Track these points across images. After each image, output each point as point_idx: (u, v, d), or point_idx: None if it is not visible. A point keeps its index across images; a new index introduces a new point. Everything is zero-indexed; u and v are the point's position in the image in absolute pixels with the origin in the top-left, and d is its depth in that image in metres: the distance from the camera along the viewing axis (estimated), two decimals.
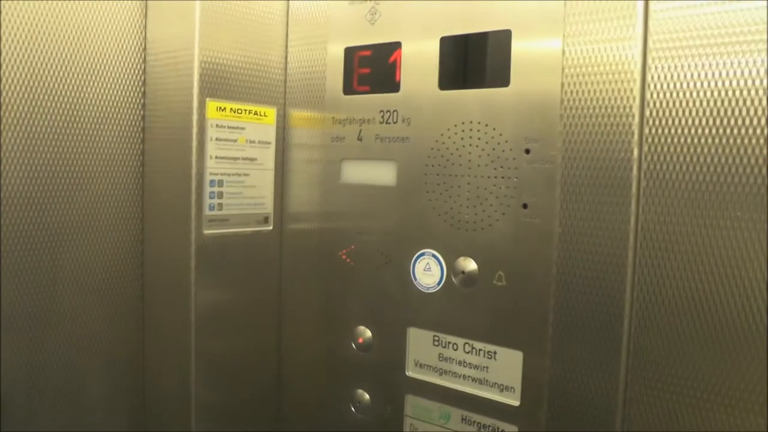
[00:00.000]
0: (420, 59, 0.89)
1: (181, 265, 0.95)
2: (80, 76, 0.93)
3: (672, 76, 0.70)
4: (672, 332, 0.72)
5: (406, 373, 0.93)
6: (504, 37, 0.81)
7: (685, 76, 0.70)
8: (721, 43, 0.67)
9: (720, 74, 0.68)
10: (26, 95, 0.87)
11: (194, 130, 0.92)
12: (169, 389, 1.01)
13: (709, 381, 0.70)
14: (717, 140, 0.68)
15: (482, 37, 0.83)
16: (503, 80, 0.82)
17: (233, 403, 1.02)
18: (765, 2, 0.65)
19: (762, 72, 0.65)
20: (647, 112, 0.72)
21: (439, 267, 0.88)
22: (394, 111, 0.91)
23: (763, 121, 0.65)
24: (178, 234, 0.95)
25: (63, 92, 0.91)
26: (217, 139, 0.94)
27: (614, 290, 0.75)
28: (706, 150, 0.69)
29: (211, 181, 0.94)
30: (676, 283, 0.71)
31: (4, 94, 0.85)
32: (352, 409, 0.99)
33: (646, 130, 0.72)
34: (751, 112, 0.66)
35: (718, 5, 0.68)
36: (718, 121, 0.68)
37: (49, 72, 0.89)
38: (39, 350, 0.92)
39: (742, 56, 0.66)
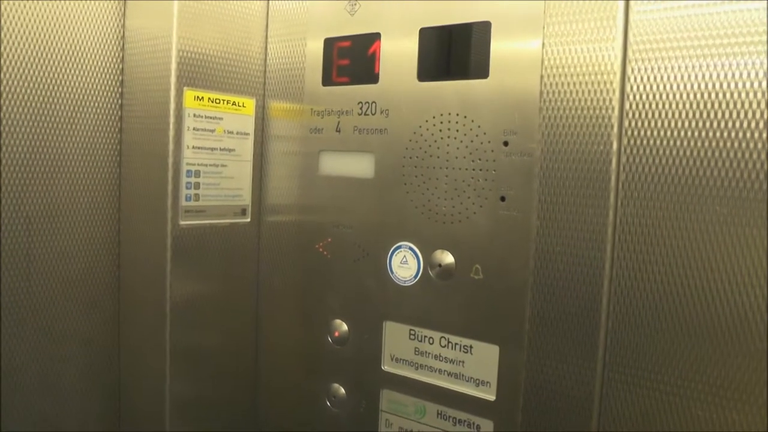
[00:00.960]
0: (399, 50, 0.88)
1: (157, 256, 0.94)
2: (57, 63, 0.91)
3: (652, 71, 0.70)
4: (649, 326, 0.72)
5: (382, 368, 0.93)
6: (483, 29, 0.81)
7: (665, 70, 0.70)
8: (699, 45, 0.68)
9: (699, 72, 0.68)
10: (2, 81, 0.86)
11: (171, 119, 0.91)
12: (144, 381, 1.00)
13: (686, 375, 0.70)
14: (696, 134, 0.68)
15: (461, 28, 0.83)
16: (482, 72, 0.81)
17: (209, 395, 1.01)
18: (743, 5, 0.65)
19: (738, 72, 0.66)
20: (627, 105, 0.72)
21: (415, 260, 0.88)
22: (372, 102, 0.91)
23: (740, 117, 0.65)
24: (154, 224, 0.94)
25: (40, 79, 0.90)
26: (194, 128, 0.93)
27: (592, 284, 0.75)
28: (685, 144, 0.69)
29: (188, 171, 0.93)
30: (654, 276, 0.71)
31: None
32: (328, 403, 0.98)
33: (626, 123, 0.72)
34: (731, 106, 0.66)
35: (696, 8, 0.68)
36: (697, 115, 0.68)
37: (25, 59, 0.88)
38: (14, 340, 0.91)
39: (718, 59, 0.67)
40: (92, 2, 0.94)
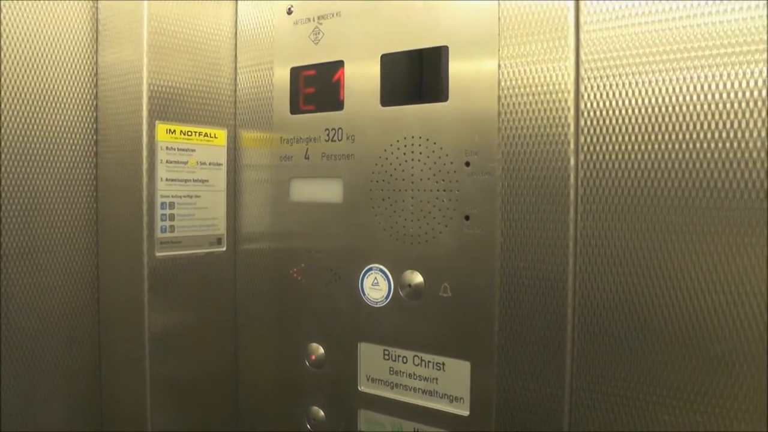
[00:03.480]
0: (362, 77, 0.90)
1: (135, 287, 0.95)
2: (33, 101, 0.93)
3: (603, 87, 0.73)
4: (613, 335, 0.73)
5: (359, 388, 0.94)
6: (442, 53, 0.83)
7: (615, 86, 0.72)
8: (647, 61, 0.70)
9: (648, 86, 0.70)
10: None
11: (144, 152, 0.93)
12: (126, 412, 1.00)
13: (650, 381, 0.72)
14: (650, 146, 0.70)
15: (421, 53, 0.85)
16: (442, 95, 0.83)
17: (190, 423, 1.01)
18: (686, 22, 0.68)
19: (686, 85, 0.68)
20: (582, 122, 0.74)
21: (386, 281, 0.89)
22: (338, 129, 0.93)
23: (690, 128, 0.67)
24: (131, 257, 0.95)
25: (16, 116, 0.91)
26: (167, 161, 0.95)
27: (556, 297, 0.76)
28: (639, 156, 0.71)
29: (162, 204, 0.94)
30: (615, 287, 0.73)
31: None
32: (308, 426, 0.99)
33: (582, 139, 0.74)
34: (681, 118, 0.68)
35: (640, 25, 0.70)
36: (650, 128, 0.70)
37: (1, 96, 0.90)
38: None
39: (666, 73, 0.69)
40: (65, 39, 0.96)
